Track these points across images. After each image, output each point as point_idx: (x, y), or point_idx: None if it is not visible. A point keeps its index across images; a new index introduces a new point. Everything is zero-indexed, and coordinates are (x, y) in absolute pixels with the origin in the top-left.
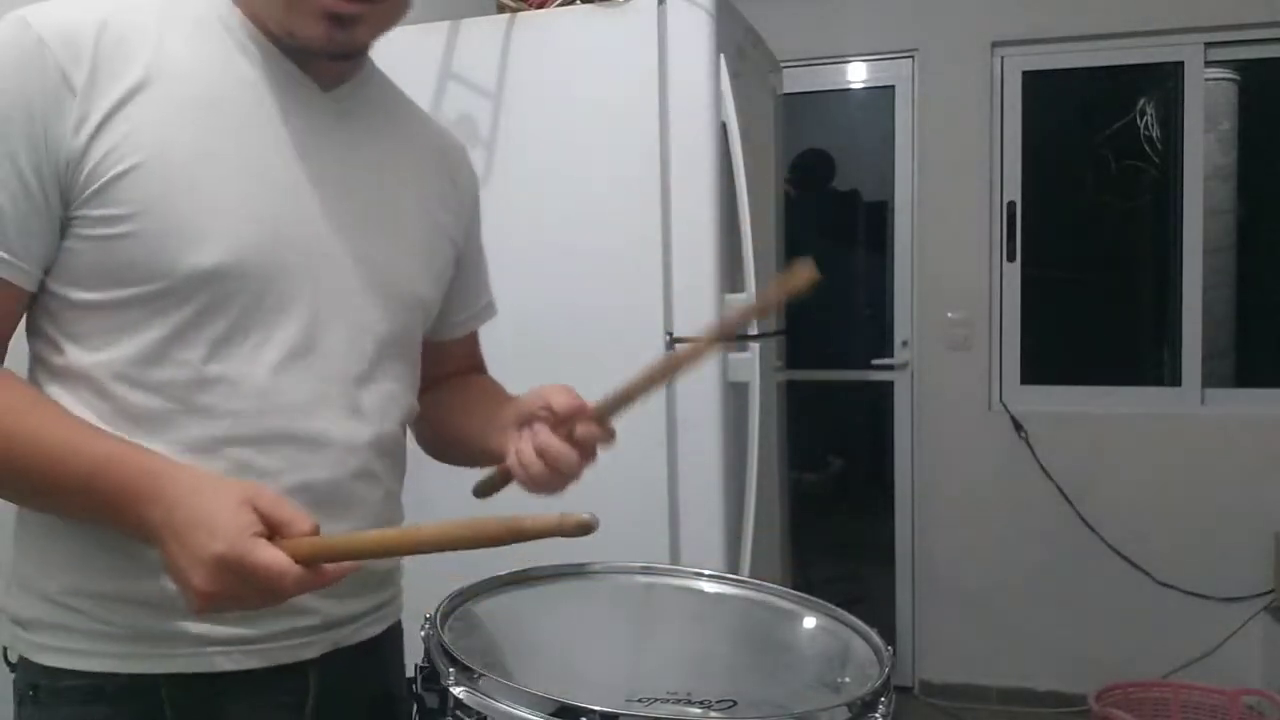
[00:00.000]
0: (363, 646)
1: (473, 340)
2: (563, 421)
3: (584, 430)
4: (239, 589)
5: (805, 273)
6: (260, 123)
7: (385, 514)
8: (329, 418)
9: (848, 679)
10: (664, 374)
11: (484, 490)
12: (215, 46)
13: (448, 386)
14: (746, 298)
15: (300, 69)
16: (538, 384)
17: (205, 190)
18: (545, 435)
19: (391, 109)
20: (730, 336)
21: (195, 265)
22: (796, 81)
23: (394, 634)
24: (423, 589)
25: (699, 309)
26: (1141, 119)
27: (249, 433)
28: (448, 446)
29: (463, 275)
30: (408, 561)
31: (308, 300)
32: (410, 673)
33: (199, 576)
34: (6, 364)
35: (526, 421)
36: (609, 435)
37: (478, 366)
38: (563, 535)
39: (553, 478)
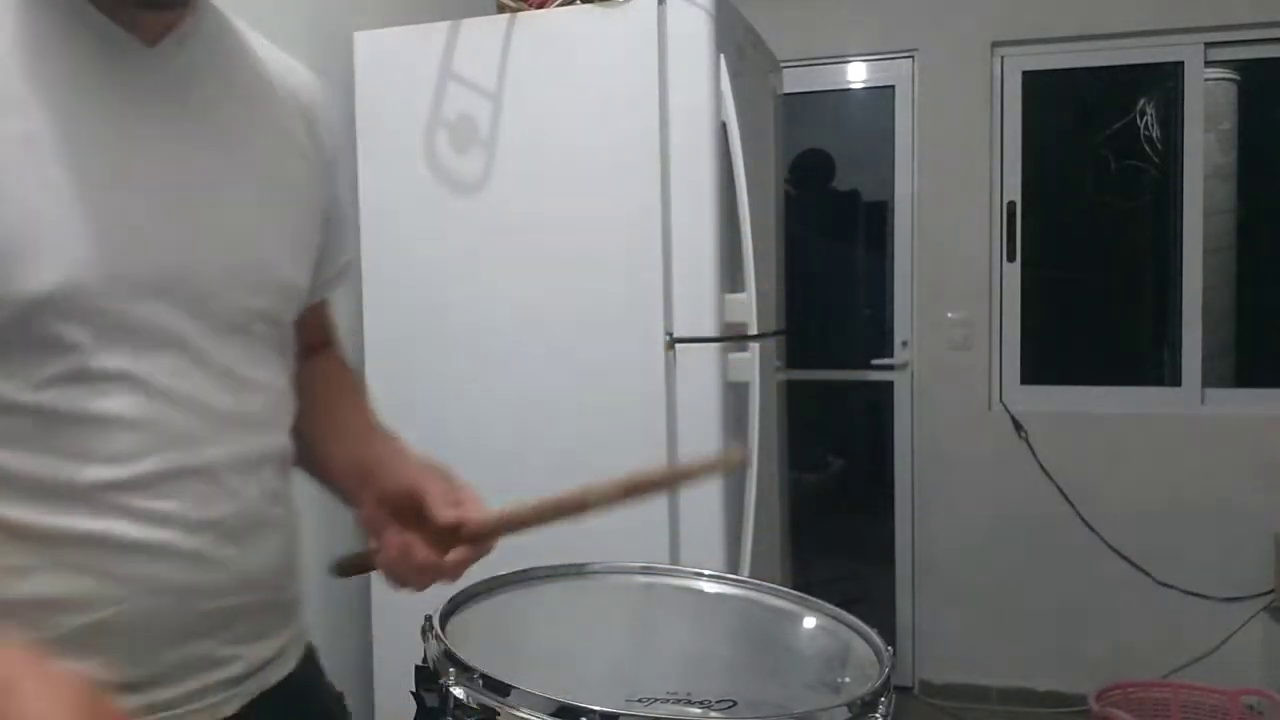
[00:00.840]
0: (281, 686)
1: (325, 308)
2: (440, 534)
3: (460, 555)
4: None
5: (736, 457)
6: (78, 99)
7: (293, 539)
8: (222, 441)
9: (848, 679)
10: (577, 507)
11: (346, 571)
12: None
13: (302, 371)
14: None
15: (115, 24)
16: (539, 385)
17: (22, 193)
18: (423, 554)
19: (233, 57)
20: (643, 492)
21: (33, 291)
22: (796, 81)
23: (309, 658)
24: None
25: (699, 309)
26: (1141, 119)
27: (135, 475)
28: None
29: (323, 234)
30: None
31: (171, 311)
32: (392, 676)
33: None
34: None
35: (397, 506)
36: (487, 551)
37: (329, 340)
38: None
39: (422, 586)
